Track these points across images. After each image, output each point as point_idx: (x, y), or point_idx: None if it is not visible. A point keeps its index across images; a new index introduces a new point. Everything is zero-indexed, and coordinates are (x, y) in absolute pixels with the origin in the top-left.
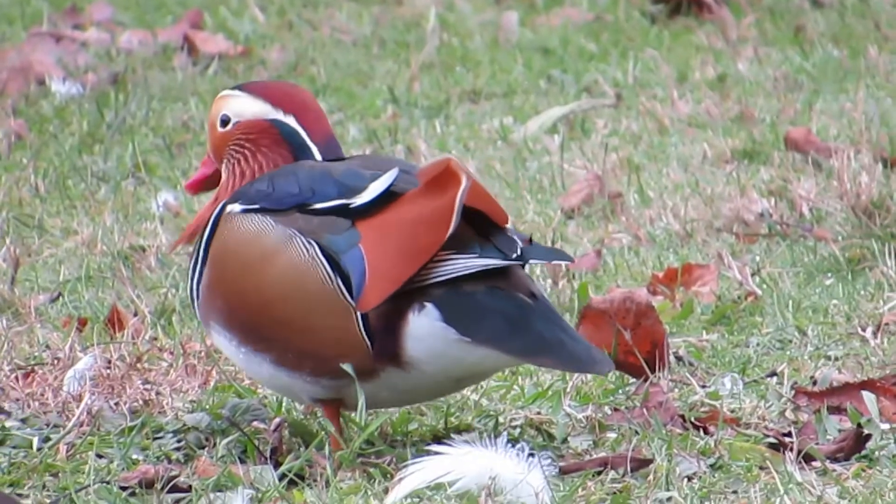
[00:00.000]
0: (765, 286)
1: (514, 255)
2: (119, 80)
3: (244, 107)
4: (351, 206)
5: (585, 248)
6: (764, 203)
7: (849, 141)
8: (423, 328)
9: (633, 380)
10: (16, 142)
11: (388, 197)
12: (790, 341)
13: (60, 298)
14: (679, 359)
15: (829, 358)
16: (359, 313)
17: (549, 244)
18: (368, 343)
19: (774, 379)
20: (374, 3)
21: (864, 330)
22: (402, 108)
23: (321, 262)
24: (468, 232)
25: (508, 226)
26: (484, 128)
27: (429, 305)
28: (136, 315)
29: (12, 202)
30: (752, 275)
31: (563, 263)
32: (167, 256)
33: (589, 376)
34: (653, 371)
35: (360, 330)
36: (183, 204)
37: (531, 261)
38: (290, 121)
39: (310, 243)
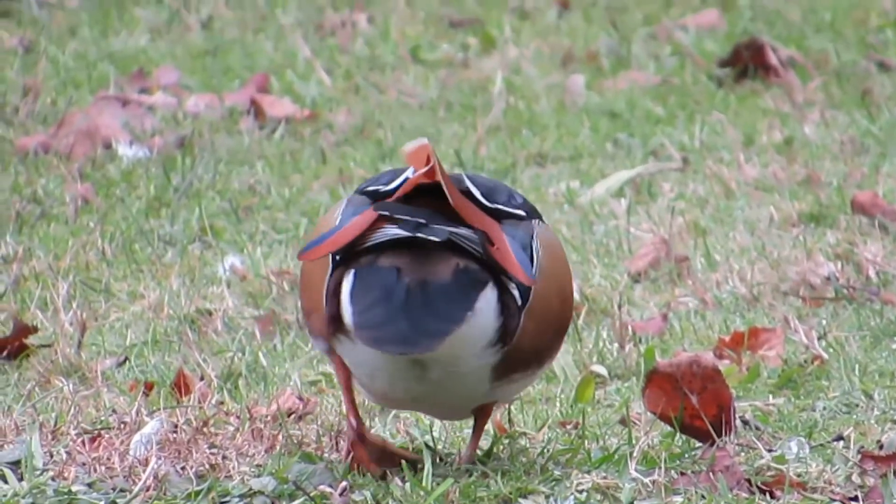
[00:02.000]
0: (831, 350)
1: (420, 234)
2: (186, 143)
3: None
4: (380, 190)
5: (652, 311)
6: (830, 266)
7: None
8: (345, 296)
9: (700, 444)
10: (83, 206)
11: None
12: (857, 405)
13: (127, 363)
14: (745, 423)
15: (895, 422)
16: (327, 274)
17: (616, 308)
18: (324, 303)
19: (841, 443)
20: (441, 66)
21: None
22: (469, 171)
23: (331, 225)
24: (420, 210)
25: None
26: (550, 191)
27: (352, 273)
28: (202, 379)
29: (79, 266)
30: (819, 339)
31: (628, 327)
32: (234, 321)
33: (656, 441)
34: (719, 435)
35: (325, 289)
36: (249, 267)
37: (431, 238)
38: None
39: (338, 210)
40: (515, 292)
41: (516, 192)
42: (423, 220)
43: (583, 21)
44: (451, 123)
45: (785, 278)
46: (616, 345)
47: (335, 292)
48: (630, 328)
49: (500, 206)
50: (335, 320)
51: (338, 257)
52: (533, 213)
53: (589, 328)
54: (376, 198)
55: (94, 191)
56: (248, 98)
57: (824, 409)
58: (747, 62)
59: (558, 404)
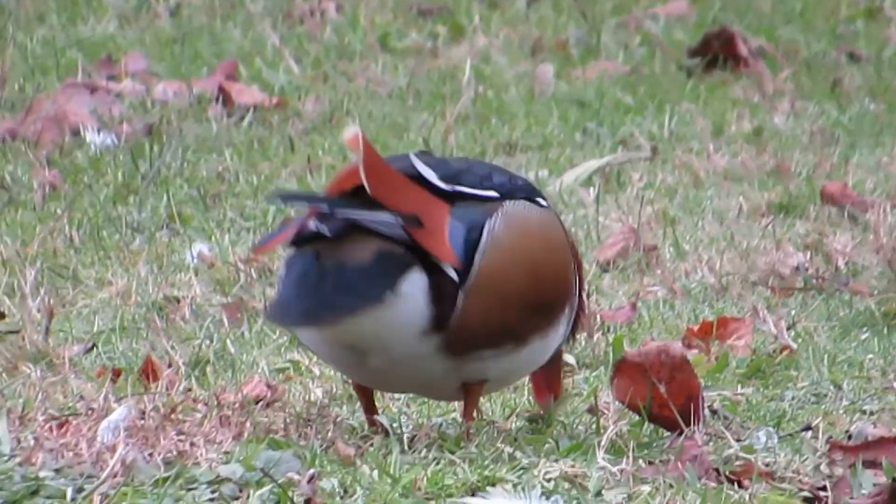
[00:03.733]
0: (800, 340)
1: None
2: (154, 131)
3: None
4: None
5: (621, 301)
6: (800, 257)
7: (885, 195)
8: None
9: (668, 433)
10: (50, 193)
11: None
12: (825, 395)
13: (94, 349)
14: (714, 412)
15: (864, 412)
16: None
17: (586, 298)
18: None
19: (809, 433)
20: (410, 55)
21: None
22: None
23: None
24: (338, 199)
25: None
26: None
27: (284, 263)
28: (170, 366)
29: (47, 253)
30: (788, 329)
31: (597, 316)
32: (201, 308)
33: (624, 430)
34: (687, 424)
35: None
36: (217, 255)
37: (320, 228)
38: None
39: None
40: (451, 272)
41: (500, 172)
42: (327, 210)
43: (552, 10)
44: (419, 112)
45: (754, 268)
46: (585, 334)
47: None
48: (599, 317)
49: (461, 189)
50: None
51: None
52: (513, 194)
53: None
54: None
55: (62, 177)
56: (217, 85)
57: (793, 399)
58: (717, 52)
59: (526, 393)
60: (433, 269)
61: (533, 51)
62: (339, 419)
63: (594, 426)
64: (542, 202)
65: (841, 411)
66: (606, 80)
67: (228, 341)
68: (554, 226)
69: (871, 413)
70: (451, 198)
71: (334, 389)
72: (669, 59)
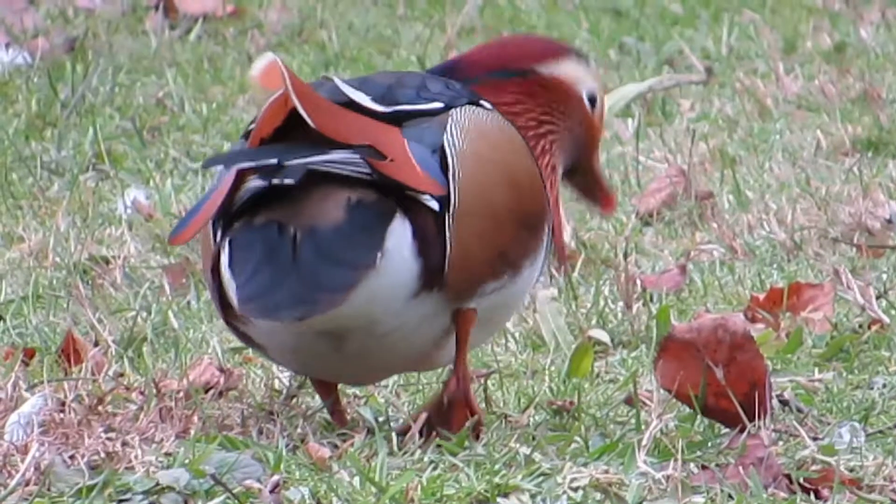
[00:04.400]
0: (894, 312)
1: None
2: (77, 46)
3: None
4: (250, 129)
5: (667, 262)
6: (893, 206)
7: None
8: (224, 271)
9: (727, 430)
10: None
11: None
12: None
13: (1, 323)
14: (784, 403)
15: None
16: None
17: (622, 258)
18: (210, 284)
19: None
20: None
21: None
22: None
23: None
24: (277, 148)
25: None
26: None
27: (227, 242)
28: (96, 345)
29: None
30: (878, 297)
31: (636, 281)
32: (137, 271)
33: (671, 426)
34: (751, 419)
35: (209, 269)
36: (157, 203)
37: (286, 181)
38: None
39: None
40: (432, 203)
41: (432, 78)
42: (274, 161)
43: None
44: (412, 23)
45: (835, 221)
46: (621, 304)
47: (216, 270)
48: (639, 283)
49: (401, 107)
50: (225, 302)
51: (217, 231)
52: (457, 101)
53: (586, 283)
54: (248, 138)
55: None
56: None
57: (884, 386)
58: None
59: (547, 379)
60: (411, 209)
61: None
62: (310, 412)
63: (633, 421)
64: (487, 104)
65: None
66: None
67: (170, 314)
68: (509, 127)
69: None
70: (395, 119)
71: None
72: None
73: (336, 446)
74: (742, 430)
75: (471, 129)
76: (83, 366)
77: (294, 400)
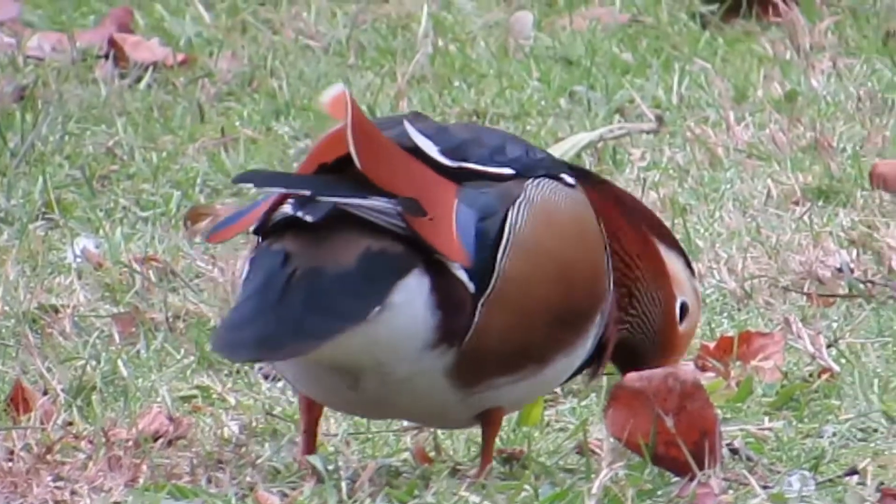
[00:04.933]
0: (843, 361)
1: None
2: (26, 95)
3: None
4: None
5: None
6: (843, 255)
7: None
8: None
9: (677, 478)
10: None
11: None
12: (875, 430)
13: None
14: (734, 452)
15: None
16: None
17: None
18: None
19: (855, 478)
20: (352, 0)
21: None
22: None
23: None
24: (319, 179)
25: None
26: None
27: (248, 260)
28: (45, 394)
29: None
30: (828, 346)
31: None
32: (86, 320)
33: (621, 475)
34: (701, 467)
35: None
36: (106, 252)
37: (306, 217)
38: None
39: None
40: (463, 276)
41: (515, 142)
42: (307, 193)
43: None
44: (363, 72)
45: (786, 270)
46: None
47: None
48: None
49: (468, 165)
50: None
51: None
52: (533, 170)
53: None
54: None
55: None
56: (106, 38)
57: (834, 435)
58: None
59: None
60: (437, 268)
61: None
62: (259, 460)
63: (583, 469)
64: (568, 179)
65: (895, 450)
66: (600, 33)
67: (120, 362)
68: (587, 212)
69: None
70: (457, 176)
71: (254, 422)
72: (679, 4)
73: (285, 494)
74: (692, 479)
75: (539, 208)
76: (32, 414)
77: (243, 448)
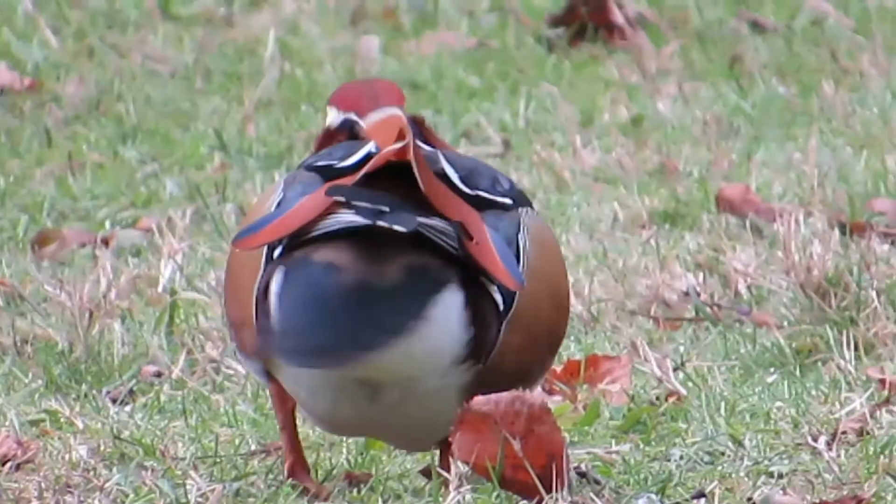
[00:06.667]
0: (690, 384)
1: (380, 222)
2: None
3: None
4: (334, 166)
5: None
6: (690, 279)
7: (798, 201)
8: (273, 300)
9: (524, 501)
10: None
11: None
12: (722, 453)
13: None
14: (582, 475)
15: (771, 475)
16: (259, 273)
17: None
18: (253, 310)
19: (702, 501)
20: (199, 24)
21: (815, 440)
22: (233, 156)
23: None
24: (382, 196)
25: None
26: None
27: (282, 271)
28: None
29: None
30: (675, 370)
31: None
32: None
33: (469, 498)
34: (549, 491)
35: (255, 292)
36: None
37: (396, 227)
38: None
39: (277, 191)
40: (497, 297)
41: (500, 174)
42: (385, 208)
43: None
44: (210, 96)
45: (632, 293)
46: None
47: (265, 295)
48: None
49: (482, 193)
50: (268, 331)
51: (274, 253)
52: (521, 201)
53: None
54: (329, 176)
55: None
56: None
57: (681, 458)
58: (585, 20)
59: (345, 451)
60: (474, 291)
61: (353, 18)
62: (107, 484)
63: (431, 494)
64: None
65: (742, 473)
66: (446, 57)
67: None
68: (556, 242)
69: (780, 476)
70: (476, 204)
71: (102, 446)
72: (525, 29)
73: None
74: (540, 502)
75: (535, 236)
76: None
77: (92, 473)
